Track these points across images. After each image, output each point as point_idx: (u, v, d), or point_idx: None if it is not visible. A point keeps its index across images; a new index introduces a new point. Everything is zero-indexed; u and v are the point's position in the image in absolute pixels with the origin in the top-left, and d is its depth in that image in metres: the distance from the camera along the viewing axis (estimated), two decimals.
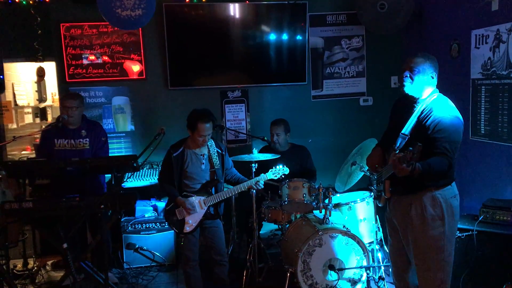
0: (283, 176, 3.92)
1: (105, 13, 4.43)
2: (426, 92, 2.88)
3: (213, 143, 3.81)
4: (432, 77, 2.85)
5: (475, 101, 4.24)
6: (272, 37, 5.30)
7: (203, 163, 3.76)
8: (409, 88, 2.86)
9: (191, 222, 3.70)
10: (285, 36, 5.32)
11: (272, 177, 3.87)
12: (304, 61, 5.38)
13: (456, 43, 4.48)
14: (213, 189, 3.81)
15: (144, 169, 4.99)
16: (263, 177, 3.84)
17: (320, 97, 5.58)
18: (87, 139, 4.09)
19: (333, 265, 3.61)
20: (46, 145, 4.07)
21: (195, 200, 3.70)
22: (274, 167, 3.88)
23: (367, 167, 3.32)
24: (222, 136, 5.37)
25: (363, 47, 5.58)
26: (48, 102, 6.72)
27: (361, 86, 5.63)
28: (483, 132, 4.19)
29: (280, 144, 4.59)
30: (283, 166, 3.88)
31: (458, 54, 4.46)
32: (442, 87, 3.00)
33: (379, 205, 3.19)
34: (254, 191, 3.85)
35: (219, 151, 3.82)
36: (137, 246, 4.56)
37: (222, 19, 5.15)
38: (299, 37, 5.34)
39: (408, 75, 2.84)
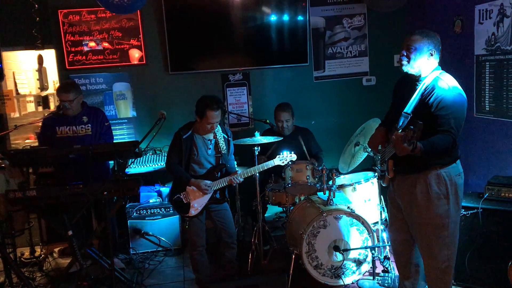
0: (290, 163, 3.91)
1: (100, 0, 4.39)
2: (427, 70, 2.84)
3: (220, 128, 3.78)
4: (431, 54, 2.80)
5: (479, 77, 4.18)
6: (273, 18, 5.22)
7: (210, 148, 3.76)
8: (407, 67, 2.84)
9: (197, 205, 3.70)
10: (286, 17, 5.24)
11: (280, 163, 3.86)
12: (306, 41, 5.30)
13: (459, 19, 4.40)
14: (219, 174, 3.80)
15: (148, 154, 4.99)
16: (271, 163, 3.84)
17: (322, 78, 5.52)
18: (89, 125, 4.08)
19: (338, 246, 3.61)
20: (48, 134, 4.06)
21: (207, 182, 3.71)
22: (281, 153, 3.87)
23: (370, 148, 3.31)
24: (225, 120, 5.33)
25: (365, 25, 5.49)
26: (50, 90, 6.68)
27: (363, 66, 5.57)
28: (487, 109, 4.14)
29: (289, 129, 4.57)
30: (291, 152, 3.87)
31: (461, 30, 4.39)
32: (446, 64, 2.96)
33: (383, 185, 3.18)
34: (235, 184, 3.82)
35: (225, 136, 3.81)
36: (142, 231, 4.58)
37: (221, 0, 5.06)
38: (300, 18, 5.26)
39: (405, 54, 2.82)
